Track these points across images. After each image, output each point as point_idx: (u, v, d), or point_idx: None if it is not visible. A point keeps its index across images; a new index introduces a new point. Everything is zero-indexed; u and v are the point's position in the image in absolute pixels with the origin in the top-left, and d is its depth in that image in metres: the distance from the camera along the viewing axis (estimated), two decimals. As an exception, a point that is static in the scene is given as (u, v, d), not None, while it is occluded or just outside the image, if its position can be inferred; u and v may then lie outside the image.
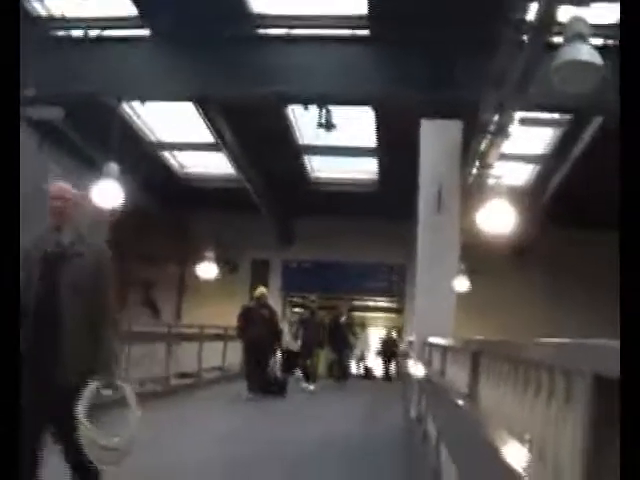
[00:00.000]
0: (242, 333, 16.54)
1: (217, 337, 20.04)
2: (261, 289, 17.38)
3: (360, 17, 13.49)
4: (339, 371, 21.81)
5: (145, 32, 14.08)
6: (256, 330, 15.79)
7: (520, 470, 1.98)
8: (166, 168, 22.68)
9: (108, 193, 14.90)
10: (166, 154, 22.30)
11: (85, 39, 13.91)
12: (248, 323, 16.11)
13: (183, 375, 17.26)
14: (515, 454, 2.25)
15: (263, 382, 15.82)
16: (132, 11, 13.57)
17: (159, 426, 10.76)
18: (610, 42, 13.01)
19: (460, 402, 4.03)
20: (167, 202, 24.42)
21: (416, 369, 10.09)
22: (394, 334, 27.99)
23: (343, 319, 22.08)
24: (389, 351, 27.24)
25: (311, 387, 18.12)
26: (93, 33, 14.05)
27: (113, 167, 14.75)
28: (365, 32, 13.87)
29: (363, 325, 28.99)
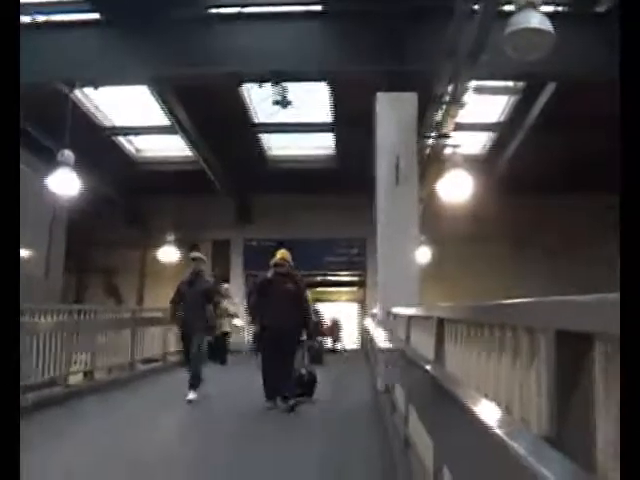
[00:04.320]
0: (255, 320, 11.85)
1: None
2: (282, 251, 11.75)
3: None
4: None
5: (95, 16, 13.91)
6: (278, 312, 10.96)
7: (491, 424, 2.06)
8: (122, 153, 22.55)
9: (64, 181, 14.78)
10: (121, 139, 22.16)
11: (33, 25, 13.74)
12: (264, 303, 11.19)
13: (148, 360, 17.22)
14: (485, 411, 2.33)
15: (288, 385, 11.20)
16: (81, -5, 13.41)
17: (131, 411, 10.84)
18: (560, 9, 13.18)
19: (428, 367, 4.11)
20: (124, 187, 24.32)
21: (381, 341, 10.17)
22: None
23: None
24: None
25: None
26: (41, 18, 13.89)
27: (68, 155, 14.61)
28: (317, 7, 13.89)
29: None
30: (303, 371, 12.13)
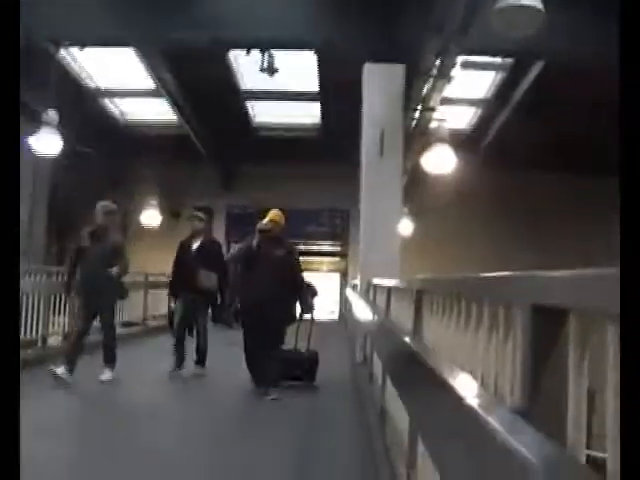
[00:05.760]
0: (236, 289, 10.51)
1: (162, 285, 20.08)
2: (274, 211, 10.24)
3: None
4: None
5: (82, -25, 13.76)
6: (263, 283, 9.46)
7: (466, 397, 2.08)
8: (107, 115, 22.40)
9: (48, 141, 14.68)
10: (106, 101, 21.99)
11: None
12: (247, 271, 9.88)
13: (128, 324, 17.23)
14: (461, 384, 2.35)
15: (279, 366, 9.79)
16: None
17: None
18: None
19: (405, 339, 4.12)
20: (108, 150, 24.14)
21: (361, 311, 10.19)
22: None
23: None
24: None
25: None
26: (28, -23, 13.70)
27: (52, 115, 14.49)
28: (307, -25, 13.79)
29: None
30: (302, 350, 10.64)
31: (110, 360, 10.23)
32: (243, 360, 9.90)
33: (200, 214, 12.46)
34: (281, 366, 9.85)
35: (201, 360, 11.20)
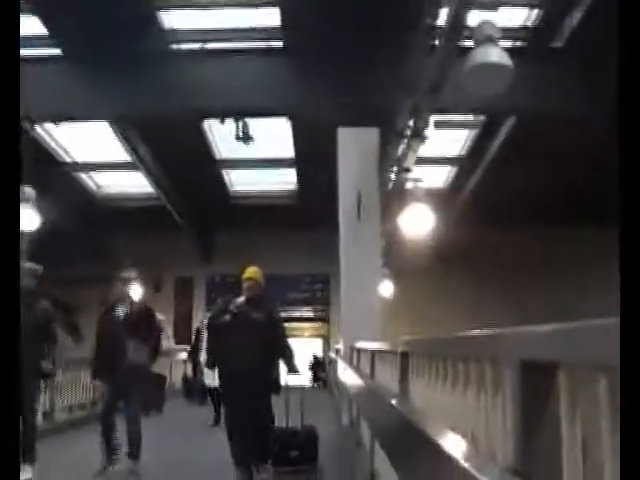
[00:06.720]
0: (211, 361, 9.53)
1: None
2: (252, 269, 9.01)
3: (273, 29, 13.54)
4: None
5: (56, 51, 13.86)
6: (243, 350, 8.21)
7: (458, 457, 2.03)
8: (83, 189, 22.40)
9: (25, 218, 14.62)
10: (83, 175, 22.01)
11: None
12: (221, 340, 8.68)
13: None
14: (452, 444, 2.30)
15: (266, 446, 8.57)
16: (42, 30, 13.33)
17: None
18: (518, 44, 13.36)
19: (392, 401, 4.07)
20: (86, 224, 24.08)
21: (345, 376, 10.06)
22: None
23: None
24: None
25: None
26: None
27: (29, 192, 14.47)
28: (279, 44, 13.93)
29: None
30: (297, 427, 9.34)
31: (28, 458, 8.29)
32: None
33: (127, 274, 10.74)
34: (273, 448, 8.73)
35: (134, 453, 8.95)
